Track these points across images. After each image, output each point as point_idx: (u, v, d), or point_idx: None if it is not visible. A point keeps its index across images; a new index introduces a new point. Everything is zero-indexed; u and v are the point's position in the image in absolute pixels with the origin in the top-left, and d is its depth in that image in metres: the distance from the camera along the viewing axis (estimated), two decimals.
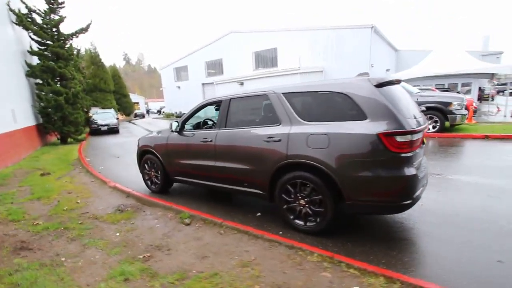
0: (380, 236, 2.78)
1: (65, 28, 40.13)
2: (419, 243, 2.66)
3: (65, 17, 11.62)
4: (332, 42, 17.35)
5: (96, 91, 25.08)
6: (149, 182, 4.70)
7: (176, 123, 4.02)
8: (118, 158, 8.31)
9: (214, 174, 3.62)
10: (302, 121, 2.85)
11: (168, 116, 29.00)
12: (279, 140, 2.92)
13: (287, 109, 2.98)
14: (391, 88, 2.66)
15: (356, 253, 2.46)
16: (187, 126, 4.25)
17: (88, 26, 12.32)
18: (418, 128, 2.47)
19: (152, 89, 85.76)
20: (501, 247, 2.42)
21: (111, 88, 27.33)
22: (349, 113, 2.61)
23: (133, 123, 24.45)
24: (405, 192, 2.41)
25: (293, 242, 2.60)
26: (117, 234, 3.10)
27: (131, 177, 5.53)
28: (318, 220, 2.80)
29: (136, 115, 36.12)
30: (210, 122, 4.59)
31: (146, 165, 4.66)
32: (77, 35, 12.18)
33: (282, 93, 3.06)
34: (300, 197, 2.89)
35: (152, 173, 4.59)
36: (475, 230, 2.76)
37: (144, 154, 4.65)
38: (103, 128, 15.53)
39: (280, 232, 2.95)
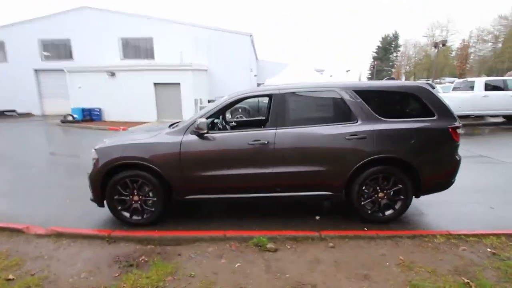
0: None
1: None
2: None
3: None
4: (215, 43, 17.61)
5: None
6: (126, 213, 3.14)
7: (202, 121, 2.95)
8: None
9: (267, 183, 3.04)
10: (381, 118, 3.03)
11: None
12: (364, 138, 2.94)
13: (363, 106, 3.04)
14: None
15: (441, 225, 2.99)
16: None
17: None
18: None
19: None
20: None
21: None
22: (420, 111, 3.08)
23: None
24: (456, 172, 3.17)
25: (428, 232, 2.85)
26: None
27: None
28: (397, 207, 3.10)
29: None
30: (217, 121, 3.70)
31: (120, 189, 3.07)
32: None
33: (353, 90, 3.08)
34: (380, 190, 3.08)
35: (136, 199, 3.11)
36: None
37: (114, 172, 3.05)
38: None
39: (365, 228, 3.00)
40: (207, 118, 3.06)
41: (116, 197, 3.09)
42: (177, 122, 4.05)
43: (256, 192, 3.10)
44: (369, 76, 56.94)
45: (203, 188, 3.09)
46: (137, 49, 18.59)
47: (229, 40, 17.69)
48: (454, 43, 41.94)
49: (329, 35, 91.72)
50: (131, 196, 3.11)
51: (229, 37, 17.73)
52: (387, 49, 57.90)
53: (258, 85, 20.63)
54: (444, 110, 3.09)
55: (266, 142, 2.98)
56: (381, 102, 3.18)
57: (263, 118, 4.81)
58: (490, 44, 39.97)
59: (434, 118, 3.06)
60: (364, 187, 3.07)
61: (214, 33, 17.71)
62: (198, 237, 2.74)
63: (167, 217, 3.27)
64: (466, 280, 2.04)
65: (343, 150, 2.99)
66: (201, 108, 13.20)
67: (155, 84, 14.93)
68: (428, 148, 3.03)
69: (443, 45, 23.13)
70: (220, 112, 3.21)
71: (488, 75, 26.16)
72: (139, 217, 3.14)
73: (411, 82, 3.28)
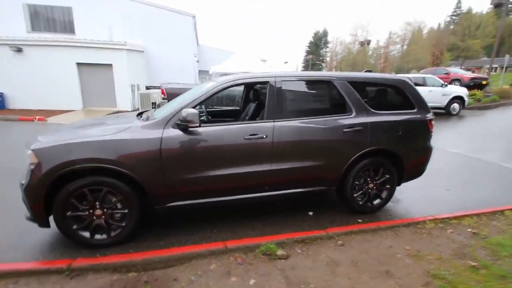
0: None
1: None
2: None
3: None
4: (153, 22, 15.68)
5: None
6: (85, 233, 2.41)
7: (191, 112, 2.39)
8: None
9: (264, 181, 2.75)
10: (373, 110, 3.03)
11: None
12: (360, 130, 2.90)
13: (357, 99, 2.99)
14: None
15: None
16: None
17: None
18: None
19: None
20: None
21: None
22: (403, 104, 3.20)
23: None
24: (429, 159, 3.45)
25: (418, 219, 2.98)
26: None
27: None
28: (383, 196, 3.21)
29: None
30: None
31: (75, 202, 2.32)
32: None
33: (348, 81, 2.99)
34: (370, 181, 3.12)
35: (99, 213, 2.41)
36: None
37: (65, 181, 2.26)
38: None
39: (360, 220, 3.02)
40: (194, 107, 2.54)
41: (69, 213, 2.31)
42: (144, 112, 3.33)
43: (250, 192, 2.77)
44: (303, 69, 60.65)
45: (190, 192, 2.58)
46: (50, 20, 15.14)
47: (169, 20, 16.02)
48: (372, 43, 47.94)
49: (269, 26, 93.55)
50: (91, 211, 2.38)
51: (170, 16, 16.05)
52: (318, 44, 62.47)
53: (200, 72, 19.50)
54: (422, 103, 3.28)
55: (264, 137, 2.64)
56: (372, 94, 3.20)
57: (238, 108, 4.40)
58: (399, 46, 47.10)
59: (415, 110, 3.22)
60: (356, 179, 3.07)
61: (152, 10, 15.74)
62: (194, 253, 2.26)
63: (139, 232, 2.65)
64: (472, 264, 2.19)
65: (341, 143, 2.89)
66: (141, 96, 11.67)
67: (78, 64, 12.48)
68: (411, 139, 3.19)
69: (368, 44, 26.01)
70: (207, 100, 2.70)
71: (397, 73, 30.88)
72: (104, 236, 2.44)
73: (396, 76, 3.38)
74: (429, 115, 3.26)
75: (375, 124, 2.98)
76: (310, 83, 2.99)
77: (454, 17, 52.78)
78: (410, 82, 3.26)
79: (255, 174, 2.67)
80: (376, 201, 3.22)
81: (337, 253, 2.37)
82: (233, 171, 2.61)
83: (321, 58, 61.85)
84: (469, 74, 16.50)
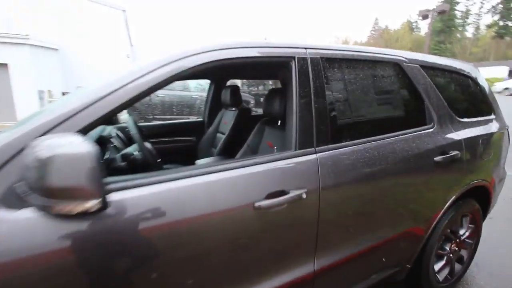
0: None
1: None
2: None
3: None
4: (72, 15, 12.53)
5: None
6: None
7: (70, 150, 0.63)
8: None
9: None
10: (457, 118, 1.72)
11: None
12: (457, 156, 1.54)
13: (438, 98, 1.64)
14: None
15: None
16: None
17: None
18: None
19: None
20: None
21: None
22: (481, 107, 2.00)
23: None
24: None
25: None
26: None
27: None
28: (465, 259, 1.92)
29: None
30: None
31: None
32: None
33: (420, 65, 1.62)
34: (454, 241, 1.80)
35: None
36: None
37: None
38: None
39: None
40: (84, 132, 0.79)
41: None
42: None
43: None
44: None
45: None
46: None
47: (93, 13, 13.06)
48: None
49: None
50: None
51: (93, 8, 13.10)
52: None
53: None
54: (496, 104, 2.14)
55: (303, 196, 1.04)
56: (449, 89, 1.89)
57: (200, 119, 2.70)
58: None
59: (494, 116, 2.05)
60: (441, 244, 1.71)
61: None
62: None
63: None
64: None
65: (429, 184, 1.49)
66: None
67: None
68: (497, 160, 2.00)
69: None
70: (131, 103, 0.93)
71: None
72: None
73: (463, 61, 2.17)
74: (506, 123, 2.14)
75: (470, 142, 1.67)
76: (366, 66, 1.49)
77: (373, 33, 61.17)
78: (481, 75, 2.09)
79: None
80: (458, 268, 1.92)
81: None
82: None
83: None
84: None
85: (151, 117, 6.85)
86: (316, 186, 1.07)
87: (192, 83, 7.54)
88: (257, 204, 0.94)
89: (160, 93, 7.00)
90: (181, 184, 0.87)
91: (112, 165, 1.13)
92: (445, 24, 41.48)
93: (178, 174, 0.88)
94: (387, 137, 1.35)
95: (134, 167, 1.13)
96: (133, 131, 1.12)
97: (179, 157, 2.49)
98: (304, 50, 1.18)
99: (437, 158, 1.45)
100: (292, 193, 1.00)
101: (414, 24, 53.97)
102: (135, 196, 0.80)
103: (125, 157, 1.16)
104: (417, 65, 1.60)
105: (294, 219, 1.05)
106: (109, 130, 1.69)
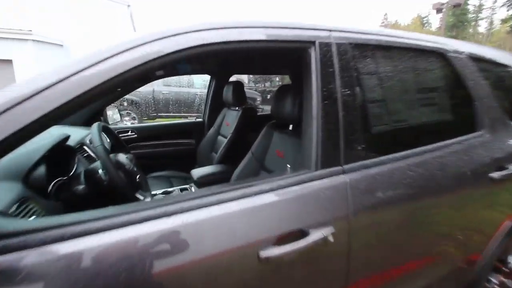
0: None
1: None
2: None
3: None
4: (76, 10, 12.38)
5: None
6: None
7: None
8: None
9: None
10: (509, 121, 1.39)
11: None
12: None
13: (489, 98, 1.30)
14: None
15: None
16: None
17: None
18: None
19: None
20: None
21: None
22: None
23: None
24: None
25: None
26: None
27: None
28: None
29: None
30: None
31: None
32: None
33: (469, 56, 1.29)
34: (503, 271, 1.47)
35: None
36: None
37: None
38: None
39: None
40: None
41: None
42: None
43: None
44: None
45: None
46: None
47: (97, 8, 12.88)
48: None
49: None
50: None
51: (98, 3, 12.91)
52: None
53: None
54: None
55: (328, 237, 0.74)
56: (501, 88, 1.55)
57: (200, 121, 2.41)
58: None
59: None
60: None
61: None
62: None
63: None
64: None
65: (483, 207, 1.17)
66: None
67: None
68: None
69: None
70: (94, 99, 1.02)
71: None
72: None
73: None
74: None
75: None
76: (406, 56, 1.14)
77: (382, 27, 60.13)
78: None
79: None
80: None
81: None
82: None
83: None
84: None
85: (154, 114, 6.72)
86: (346, 219, 0.77)
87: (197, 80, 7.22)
88: (263, 255, 0.64)
89: (165, 90, 6.83)
90: (141, 230, 0.57)
91: (74, 186, 0.84)
92: (458, 18, 40.12)
93: (137, 215, 0.58)
94: (434, 149, 1.03)
95: (101, 191, 0.84)
96: (96, 143, 0.83)
97: (177, 162, 2.22)
98: (327, 33, 0.87)
99: (493, 175, 1.13)
100: (314, 234, 0.70)
101: (425, 18, 52.69)
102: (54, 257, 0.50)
103: (88, 176, 0.87)
104: (465, 56, 1.27)
105: (316, 268, 0.75)
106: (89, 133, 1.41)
